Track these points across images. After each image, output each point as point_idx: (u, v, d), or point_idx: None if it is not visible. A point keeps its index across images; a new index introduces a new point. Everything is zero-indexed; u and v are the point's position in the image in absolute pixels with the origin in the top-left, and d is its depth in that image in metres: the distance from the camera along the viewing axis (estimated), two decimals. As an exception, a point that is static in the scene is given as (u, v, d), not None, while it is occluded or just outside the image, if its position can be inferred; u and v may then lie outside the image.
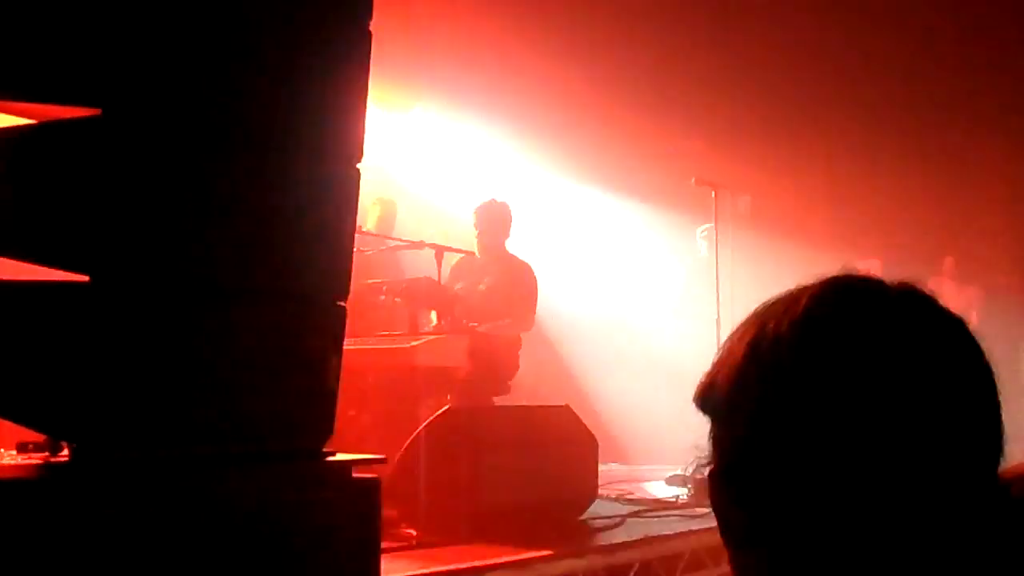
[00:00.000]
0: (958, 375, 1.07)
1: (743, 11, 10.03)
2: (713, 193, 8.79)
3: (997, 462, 1.08)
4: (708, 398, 1.15)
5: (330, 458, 3.28)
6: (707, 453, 1.15)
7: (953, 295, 9.86)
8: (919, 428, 1.04)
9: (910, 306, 1.11)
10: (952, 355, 1.08)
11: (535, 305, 7.59)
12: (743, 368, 1.11)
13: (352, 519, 3.23)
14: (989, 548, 1.05)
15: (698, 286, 9.62)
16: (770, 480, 1.08)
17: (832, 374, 1.05)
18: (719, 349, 1.16)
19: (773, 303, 1.14)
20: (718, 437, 1.14)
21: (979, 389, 1.08)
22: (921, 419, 1.04)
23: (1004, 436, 1.09)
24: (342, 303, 3.30)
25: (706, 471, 1.15)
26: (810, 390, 1.06)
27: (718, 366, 1.14)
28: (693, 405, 1.16)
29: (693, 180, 8.90)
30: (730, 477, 1.12)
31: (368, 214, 8.06)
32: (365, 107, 3.34)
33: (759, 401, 1.09)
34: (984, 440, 1.07)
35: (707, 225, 9.66)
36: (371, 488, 3.33)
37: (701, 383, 1.16)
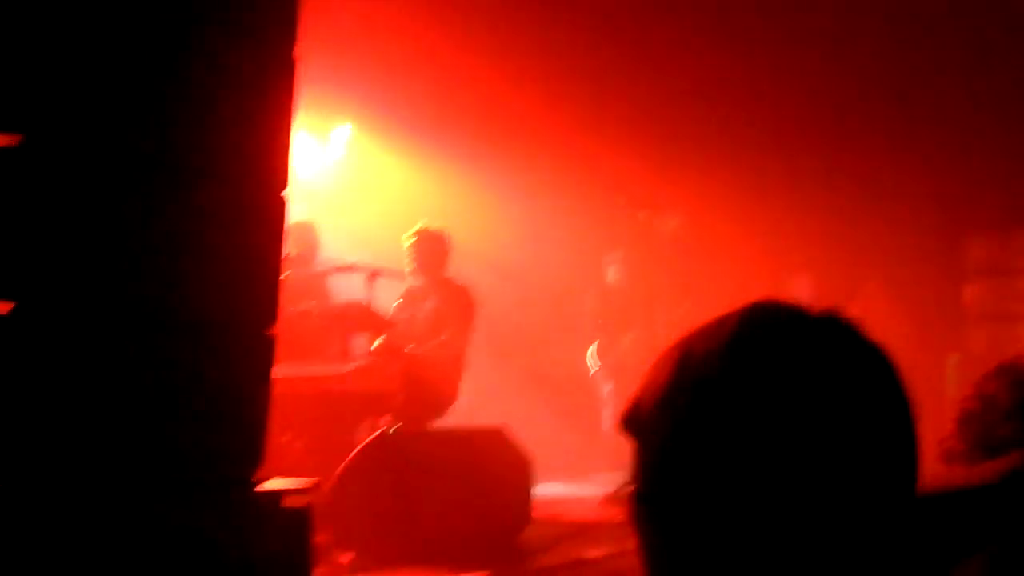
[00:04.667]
0: (875, 402, 1.10)
1: (680, 34, 10.12)
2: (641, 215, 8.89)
3: (913, 482, 1.11)
4: (632, 420, 1.15)
5: (260, 486, 3.26)
6: (631, 476, 1.15)
7: (881, 312, 10.01)
8: (836, 453, 1.05)
9: (831, 333, 1.13)
10: (870, 383, 1.10)
11: (472, 323, 7.59)
12: (668, 389, 1.12)
13: (282, 547, 3.21)
14: (899, 567, 1.08)
15: (608, 312, 9.80)
16: (687, 501, 1.09)
17: (753, 397, 1.07)
18: (646, 374, 1.17)
19: (699, 329, 1.15)
20: (640, 459, 1.14)
21: (895, 414, 1.11)
22: (837, 444, 1.06)
23: (917, 459, 1.11)
24: (271, 330, 3.29)
25: (629, 493, 1.16)
26: (730, 413, 1.07)
27: (644, 389, 1.15)
28: (621, 428, 1.17)
29: (626, 202, 8.99)
30: (649, 499, 1.13)
31: (288, 238, 8.01)
32: (290, 134, 3.34)
33: (681, 422, 1.09)
34: (899, 463, 1.10)
35: (616, 252, 9.85)
36: (301, 516, 3.31)
37: (627, 407, 1.17)
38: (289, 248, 7.62)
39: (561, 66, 9.98)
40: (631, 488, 1.15)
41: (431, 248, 7.58)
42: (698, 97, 10.35)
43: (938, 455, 2.03)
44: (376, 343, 7.16)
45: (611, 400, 9.38)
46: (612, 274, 10.03)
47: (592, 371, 9.71)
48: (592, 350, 9.74)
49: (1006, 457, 1.82)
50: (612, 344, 9.64)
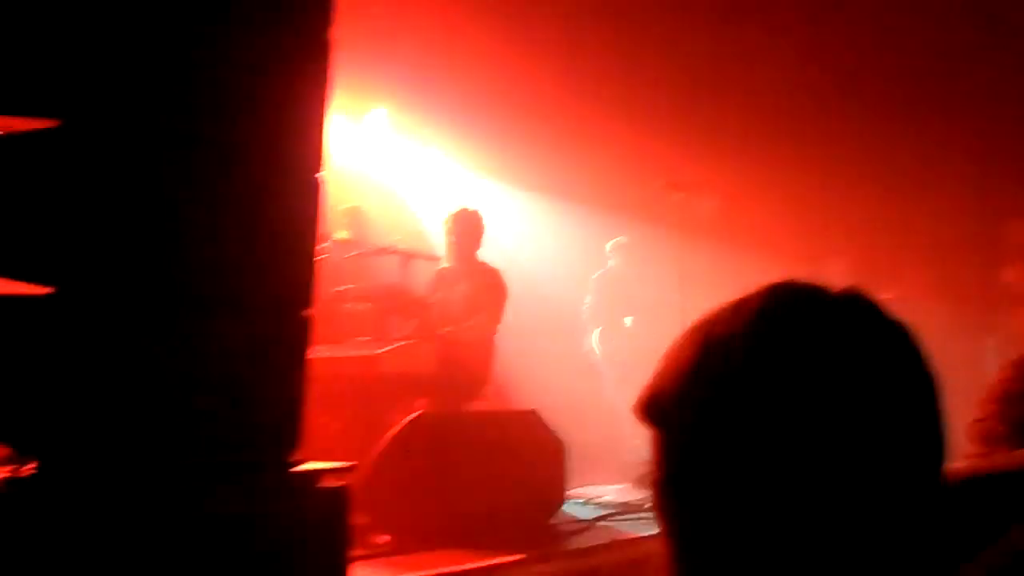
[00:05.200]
0: (900, 382, 1.08)
1: (714, 18, 10.06)
2: (679, 197, 8.84)
3: (940, 464, 1.10)
4: (653, 406, 1.13)
5: (297, 467, 3.28)
6: (651, 463, 1.13)
7: (920, 295, 9.94)
8: (862, 435, 1.04)
9: (856, 314, 1.12)
10: (895, 362, 1.09)
11: (503, 306, 7.59)
12: (690, 374, 1.10)
13: (319, 528, 3.23)
14: (928, 552, 1.07)
15: (609, 298, 9.97)
16: (712, 488, 1.07)
17: (782, 380, 1.05)
18: (661, 359, 1.14)
19: (718, 312, 1.13)
20: (664, 445, 1.12)
21: (920, 395, 1.09)
22: (864, 427, 1.05)
23: (946, 440, 1.10)
24: (306, 313, 3.30)
25: (651, 480, 1.14)
26: (760, 396, 1.05)
27: (662, 375, 1.13)
28: (640, 415, 1.15)
29: (663, 184, 8.94)
30: (676, 484, 1.11)
31: (339, 221, 8.06)
32: (325, 116, 3.34)
33: (708, 407, 1.08)
34: (925, 445, 1.09)
35: (619, 239, 9.94)
36: (338, 496, 3.33)
37: (644, 393, 1.14)
38: (344, 232, 7.70)
39: (596, 47, 9.93)
40: (654, 475, 1.13)
41: (465, 227, 7.58)
42: (738, 78, 10.29)
43: (977, 435, 2.01)
44: (411, 325, 7.18)
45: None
46: (614, 260, 10.16)
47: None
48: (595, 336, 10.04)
49: None
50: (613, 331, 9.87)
